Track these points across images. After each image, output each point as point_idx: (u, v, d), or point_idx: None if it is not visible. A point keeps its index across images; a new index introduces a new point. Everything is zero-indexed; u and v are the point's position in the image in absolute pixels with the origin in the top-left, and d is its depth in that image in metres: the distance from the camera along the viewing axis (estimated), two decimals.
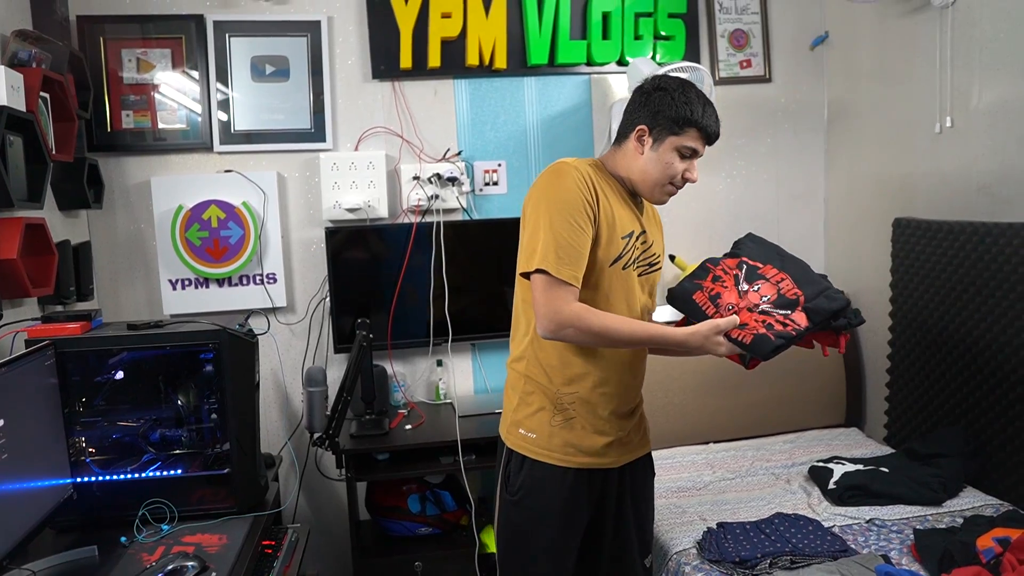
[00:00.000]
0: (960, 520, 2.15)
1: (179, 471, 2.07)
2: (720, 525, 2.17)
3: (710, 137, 1.69)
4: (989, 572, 1.80)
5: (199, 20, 2.74)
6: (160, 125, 2.75)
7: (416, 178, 2.85)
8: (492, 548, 2.62)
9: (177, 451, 2.13)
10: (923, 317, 2.63)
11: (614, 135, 3.23)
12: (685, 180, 1.71)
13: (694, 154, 1.69)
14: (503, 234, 2.91)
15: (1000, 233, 2.29)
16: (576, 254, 1.58)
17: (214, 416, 2.11)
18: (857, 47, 3.01)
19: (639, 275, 1.74)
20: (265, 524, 2.09)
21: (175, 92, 2.75)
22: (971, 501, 2.28)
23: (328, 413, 2.42)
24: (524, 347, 1.74)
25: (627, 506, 1.82)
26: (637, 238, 1.72)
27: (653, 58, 2.99)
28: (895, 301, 2.77)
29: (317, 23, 2.81)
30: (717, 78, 3.10)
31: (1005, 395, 2.30)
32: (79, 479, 1.98)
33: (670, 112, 1.65)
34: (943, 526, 2.14)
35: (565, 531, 1.73)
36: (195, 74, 2.75)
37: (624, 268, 1.69)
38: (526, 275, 1.62)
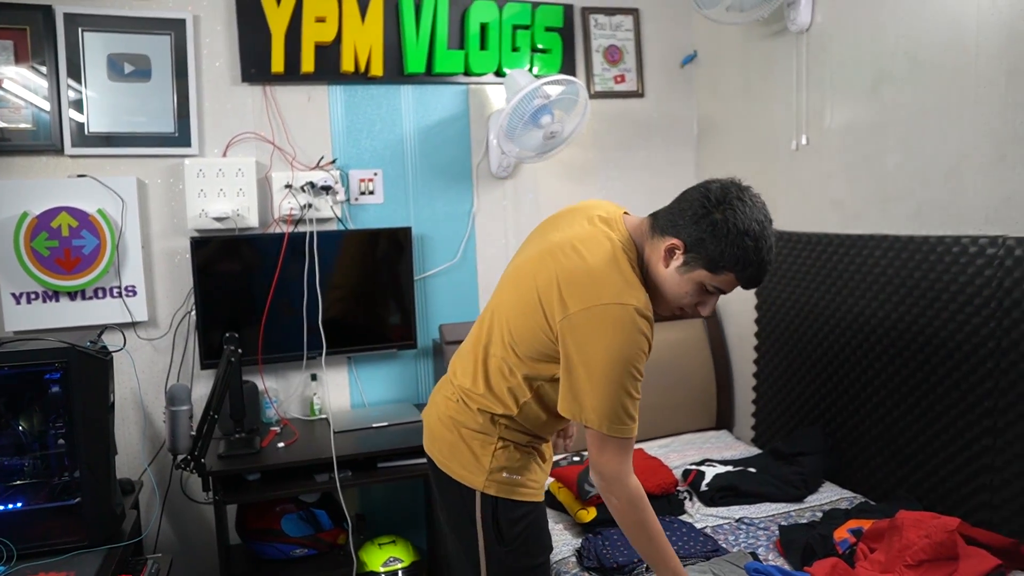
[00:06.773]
0: (820, 514, 2.27)
1: (19, 504, 1.89)
2: (597, 532, 2.20)
3: (748, 287, 1.51)
4: (845, 562, 1.92)
5: (47, 11, 2.53)
6: (1, 124, 2.52)
7: (288, 186, 2.75)
8: (372, 566, 2.56)
9: (18, 482, 1.95)
10: (785, 324, 2.78)
11: (491, 148, 3.19)
12: (696, 313, 1.56)
13: (719, 292, 1.52)
14: (379, 244, 2.86)
15: (851, 244, 2.45)
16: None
17: (61, 441, 1.94)
18: (723, 66, 3.16)
19: None
20: (122, 556, 1.94)
21: (19, 88, 2.53)
22: (829, 496, 2.42)
23: (193, 433, 2.29)
24: (507, 414, 1.61)
25: None
26: None
27: (530, 70, 3.02)
28: (760, 308, 2.92)
29: (182, 21, 2.66)
30: (592, 92, 3.17)
31: (857, 395, 2.46)
32: None
33: (714, 249, 1.43)
34: (805, 521, 2.25)
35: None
36: (43, 70, 2.54)
37: None
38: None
